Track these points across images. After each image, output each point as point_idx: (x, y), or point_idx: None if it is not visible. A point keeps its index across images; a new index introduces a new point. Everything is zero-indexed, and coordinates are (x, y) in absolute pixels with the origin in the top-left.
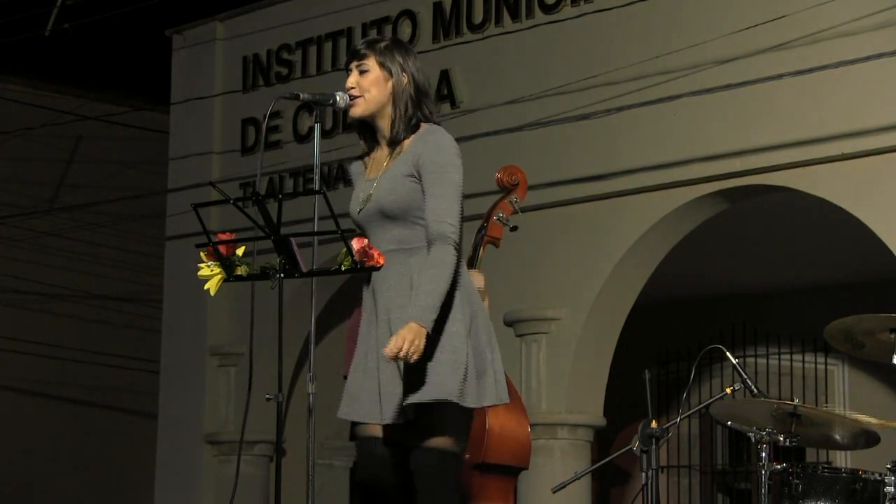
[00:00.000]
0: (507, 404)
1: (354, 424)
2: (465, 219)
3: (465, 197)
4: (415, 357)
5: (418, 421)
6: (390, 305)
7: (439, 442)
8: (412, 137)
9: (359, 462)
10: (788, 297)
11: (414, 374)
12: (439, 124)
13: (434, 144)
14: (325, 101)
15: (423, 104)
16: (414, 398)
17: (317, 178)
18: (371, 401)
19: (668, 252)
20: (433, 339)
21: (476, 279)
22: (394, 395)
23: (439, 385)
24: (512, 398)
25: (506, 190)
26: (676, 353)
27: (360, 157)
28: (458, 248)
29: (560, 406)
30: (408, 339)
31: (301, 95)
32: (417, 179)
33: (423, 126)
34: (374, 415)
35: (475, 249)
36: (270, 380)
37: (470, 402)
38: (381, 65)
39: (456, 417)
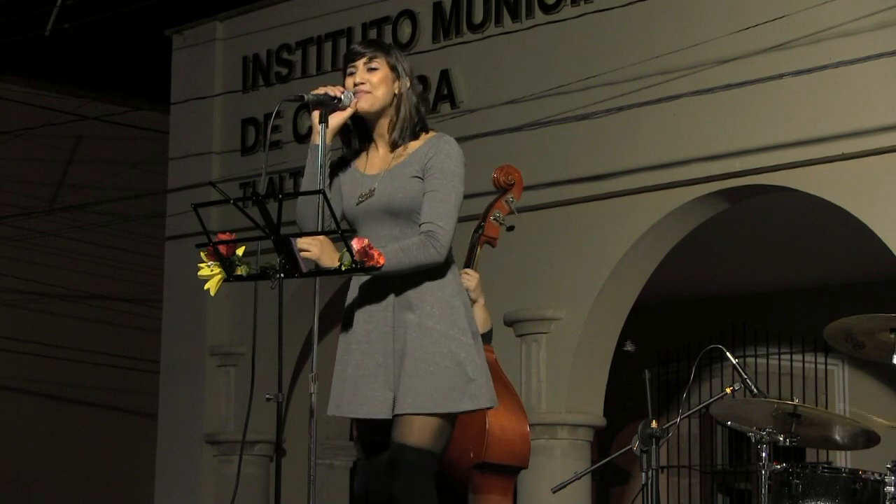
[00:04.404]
0: (507, 404)
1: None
2: (462, 219)
3: (465, 197)
4: (307, 253)
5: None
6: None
7: (419, 439)
8: (422, 141)
9: (359, 468)
10: (788, 297)
11: (413, 377)
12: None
13: (446, 152)
14: (330, 101)
15: (421, 108)
16: (408, 408)
17: (320, 177)
18: (372, 396)
19: (668, 252)
20: (436, 342)
21: (470, 278)
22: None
23: (436, 397)
24: (511, 398)
25: (502, 190)
26: (676, 353)
27: (344, 158)
28: (443, 253)
29: (560, 406)
30: (320, 246)
31: (305, 97)
32: (422, 180)
33: (433, 132)
34: (380, 410)
35: (472, 249)
36: (270, 380)
37: (465, 406)
38: (391, 66)
39: (440, 417)
